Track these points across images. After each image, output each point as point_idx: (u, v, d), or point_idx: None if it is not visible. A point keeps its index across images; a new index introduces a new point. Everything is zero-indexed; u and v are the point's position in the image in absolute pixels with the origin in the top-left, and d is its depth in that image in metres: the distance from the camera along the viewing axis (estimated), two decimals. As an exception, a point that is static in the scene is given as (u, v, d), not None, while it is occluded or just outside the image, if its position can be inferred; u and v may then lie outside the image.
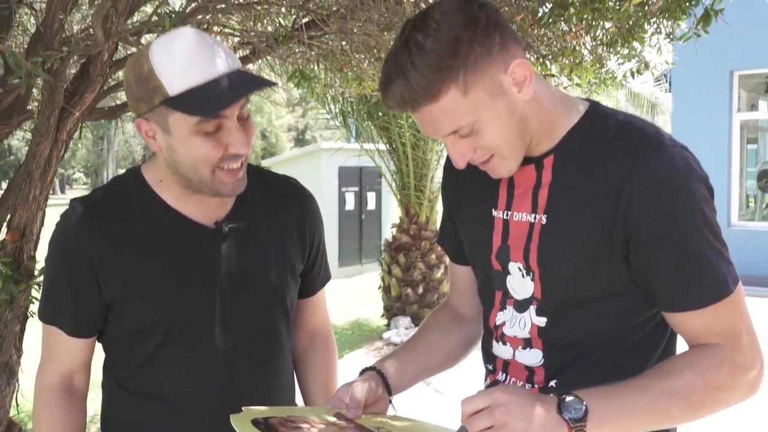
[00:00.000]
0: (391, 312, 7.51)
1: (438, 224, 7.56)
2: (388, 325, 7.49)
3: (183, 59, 1.20)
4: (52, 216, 2.58)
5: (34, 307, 2.56)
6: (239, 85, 1.22)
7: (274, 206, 1.45)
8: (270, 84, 1.26)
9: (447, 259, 5.55)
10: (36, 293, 2.51)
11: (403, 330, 7.07)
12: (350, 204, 12.60)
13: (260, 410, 1.17)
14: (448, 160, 1.36)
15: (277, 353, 1.46)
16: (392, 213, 12.11)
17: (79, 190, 49.37)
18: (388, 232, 10.32)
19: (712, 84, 9.97)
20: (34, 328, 2.64)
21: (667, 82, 10.77)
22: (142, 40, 2.47)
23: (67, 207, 1.38)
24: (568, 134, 1.19)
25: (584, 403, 1.03)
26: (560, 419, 1.02)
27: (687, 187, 1.10)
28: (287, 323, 1.47)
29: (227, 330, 1.37)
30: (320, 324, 1.62)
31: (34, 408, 1.42)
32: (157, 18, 1.95)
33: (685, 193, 1.10)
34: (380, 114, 7.14)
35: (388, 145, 7.50)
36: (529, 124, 1.16)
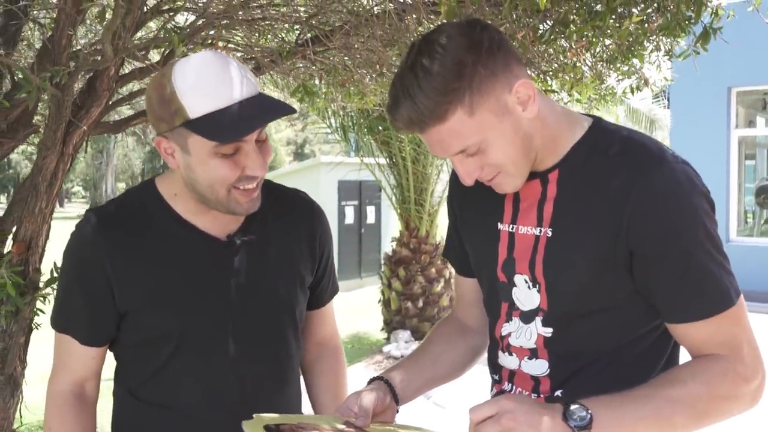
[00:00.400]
0: (391, 326, 7.51)
1: (438, 238, 7.61)
2: (387, 339, 7.50)
3: (204, 83, 1.23)
4: (53, 228, 2.60)
5: (39, 319, 2.57)
6: (259, 113, 1.25)
7: (284, 220, 1.48)
8: (290, 111, 1.29)
9: (447, 273, 5.61)
10: (41, 305, 2.53)
11: (403, 344, 7.07)
12: (350, 218, 12.63)
13: (271, 417, 1.19)
14: (455, 174, 1.39)
15: (287, 364, 1.48)
16: (391, 227, 12.13)
17: (78, 204, 49.35)
18: (387, 246, 10.34)
19: (710, 100, 10.04)
20: (38, 340, 2.66)
21: (665, 98, 10.83)
22: (149, 56, 2.51)
23: (82, 217, 1.41)
24: (572, 149, 1.22)
25: (589, 411, 1.05)
26: (566, 427, 1.04)
27: (689, 201, 1.13)
28: (296, 334, 1.50)
29: (238, 341, 1.40)
30: (329, 335, 1.65)
31: (45, 415, 1.44)
32: (165, 34, 1.98)
33: (687, 207, 1.13)
34: (380, 128, 7.18)
35: (388, 160, 7.54)
36: (533, 141, 1.19)
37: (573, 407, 1.06)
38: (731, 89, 10.13)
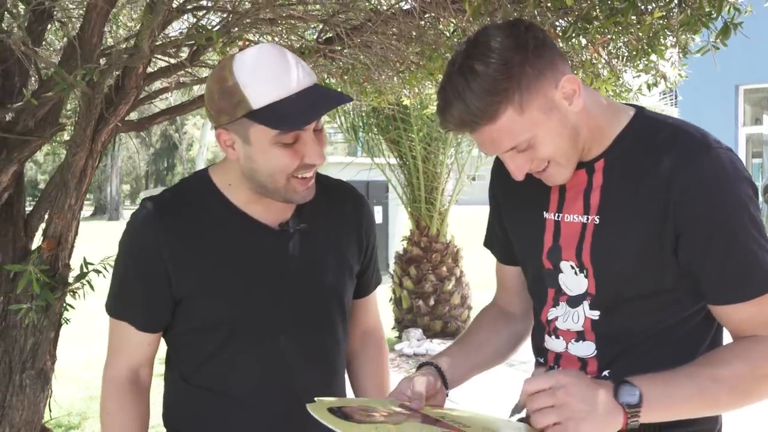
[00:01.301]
0: (402, 324, 7.54)
1: (449, 237, 7.62)
2: (399, 337, 7.53)
3: (266, 74, 1.27)
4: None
5: (68, 315, 2.61)
6: (319, 101, 1.29)
7: (333, 209, 1.52)
8: (347, 100, 1.34)
9: (458, 272, 5.60)
10: (71, 300, 2.56)
11: (415, 342, 7.09)
12: (357, 218, 12.60)
13: (331, 401, 1.23)
14: (496, 165, 1.42)
15: (334, 352, 1.51)
16: (399, 227, 12.15)
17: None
18: (395, 246, 10.34)
19: (717, 98, 10.07)
20: (64, 335, 2.69)
21: (673, 95, 10.86)
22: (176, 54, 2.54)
23: (139, 206, 1.44)
24: (617, 138, 1.26)
25: (639, 389, 1.09)
26: (617, 404, 1.08)
27: (734, 186, 1.17)
28: (344, 323, 1.53)
29: (289, 328, 1.43)
30: (372, 325, 1.68)
31: (102, 401, 1.48)
32: (202, 32, 2.02)
33: (732, 192, 1.17)
34: (390, 128, 7.20)
35: (398, 159, 7.56)
36: (581, 132, 1.23)
37: (623, 386, 1.09)
38: (738, 87, 10.17)
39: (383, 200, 12.81)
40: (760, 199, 10.64)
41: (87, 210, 46.89)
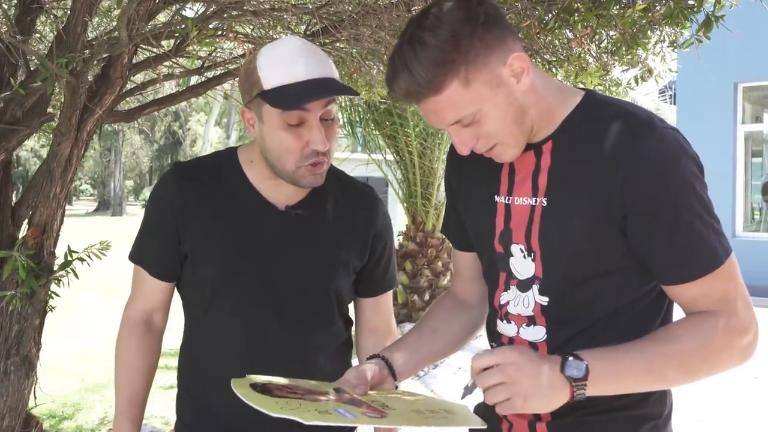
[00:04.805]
0: (397, 319, 7.55)
1: (444, 232, 7.63)
2: (394, 333, 7.55)
3: (281, 61, 1.40)
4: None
5: (53, 302, 2.64)
6: (319, 89, 1.39)
7: (344, 206, 1.60)
8: (352, 93, 1.46)
9: (453, 267, 5.54)
10: (56, 288, 2.59)
11: (409, 337, 7.12)
12: (356, 214, 12.60)
13: (259, 378, 1.24)
14: (452, 150, 1.43)
15: (309, 333, 1.55)
16: (396, 222, 12.16)
17: (86, 201, 49.53)
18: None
19: (716, 96, 10.04)
20: (57, 330, 2.71)
21: (671, 93, 10.85)
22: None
23: (170, 167, 1.60)
24: (565, 120, 1.26)
25: (585, 363, 1.10)
26: (563, 378, 1.10)
27: (678, 165, 1.17)
28: (330, 311, 1.58)
29: (267, 303, 1.51)
30: (383, 325, 1.71)
31: (117, 337, 1.63)
32: (180, 19, 2.03)
33: (676, 170, 1.16)
34: (387, 123, 7.21)
35: (395, 155, 7.57)
36: (528, 112, 1.23)
37: (570, 359, 1.11)
38: (737, 85, 10.13)
39: (382, 195, 12.80)
40: (760, 198, 10.59)
41: (90, 205, 46.96)
